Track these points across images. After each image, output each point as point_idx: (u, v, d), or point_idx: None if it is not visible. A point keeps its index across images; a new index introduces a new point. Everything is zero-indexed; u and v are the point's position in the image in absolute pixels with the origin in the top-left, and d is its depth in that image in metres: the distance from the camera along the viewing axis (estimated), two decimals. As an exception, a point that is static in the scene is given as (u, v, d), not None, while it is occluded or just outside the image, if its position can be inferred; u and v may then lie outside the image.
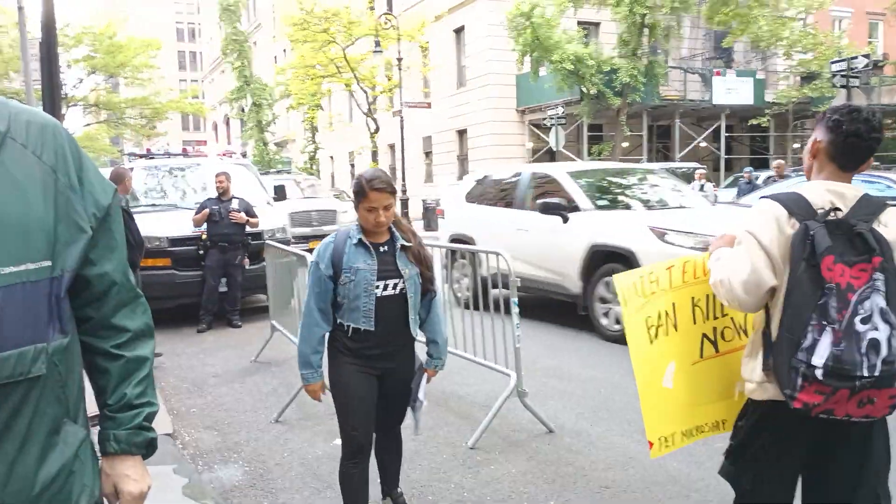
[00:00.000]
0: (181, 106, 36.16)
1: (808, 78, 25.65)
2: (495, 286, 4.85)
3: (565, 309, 7.89)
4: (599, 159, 24.17)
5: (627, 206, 7.83)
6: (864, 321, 1.87)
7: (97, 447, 1.46)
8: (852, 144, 2.08)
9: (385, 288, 2.94)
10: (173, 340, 7.82)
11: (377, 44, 25.03)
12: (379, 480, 3.42)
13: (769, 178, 18.02)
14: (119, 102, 33.20)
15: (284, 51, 38.66)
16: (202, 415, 5.27)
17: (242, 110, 35.37)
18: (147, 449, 1.48)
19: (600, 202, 7.76)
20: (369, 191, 2.87)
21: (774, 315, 2.07)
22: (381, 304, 2.94)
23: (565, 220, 7.48)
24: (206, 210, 8.26)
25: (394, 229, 3.03)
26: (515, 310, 4.47)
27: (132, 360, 1.45)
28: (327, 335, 3.04)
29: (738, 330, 2.55)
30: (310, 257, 5.32)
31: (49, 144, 1.32)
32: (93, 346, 1.43)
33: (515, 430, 4.61)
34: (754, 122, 25.27)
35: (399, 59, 24.51)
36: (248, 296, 9.22)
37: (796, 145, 29.61)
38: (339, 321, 2.99)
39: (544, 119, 23.11)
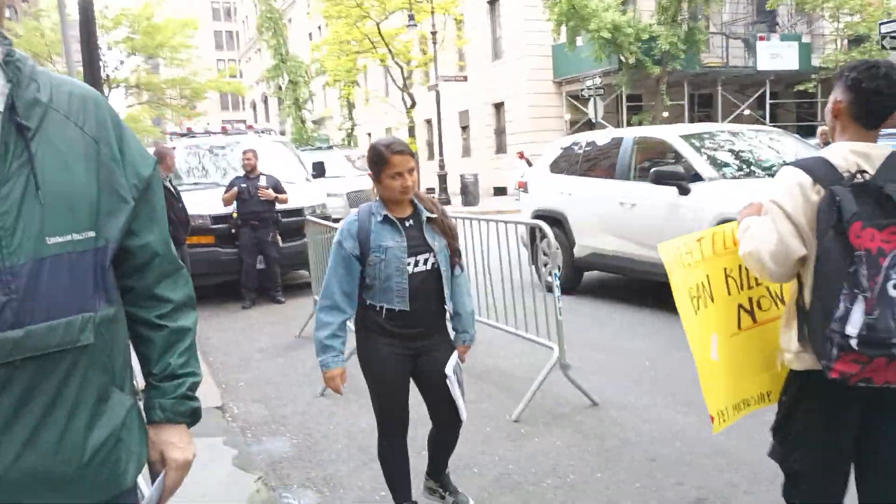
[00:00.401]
0: (219, 85, 36.49)
1: (856, 41, 24.74)
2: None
3: (606, 280, 7.81)
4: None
5: (751, 173, 6.82)
6: None
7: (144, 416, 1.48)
8: (875, 101, 2.04)
9: (416, 264, 2.83)
10: (220, 317, 7.98)
11: (411, 17, 24.85)
12: (427, 461, 3.30)
13: (815, 144, 17.59)
14: (159, 83, 33.65)
15: (319, 27, 38.70)
16: (249, 388, 5.38)
17: (279, 88, 35.55)
18: (191, 418, 1.50)
19: (726, 169, 6.75)
20: (390, 155, 2.76)
21: (806, 284, 2.06)
22: (415, 281, 2.82)
23: (684, 191, 6.45)
24: (235, 189, 8.31)
25: (416, 201, 2.90)
26: (557, 282, 4.43)
27: (175, 331, 1.47)
28: (350, 320, 2.91)
29: (774, 299, 2.50)
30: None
31: (91, 115, 1.33)
32: (137, 316, 1.45)
33: (559, 403, 4.60)
34: (800, 87, 24.51)
35: (433, 33, 24.31)
36: (289, 272, 9.34)
37: (844, 111, 28.70)
38: (369, 302, 2.86)
39: (582, 90, 22.78)
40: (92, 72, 6.83)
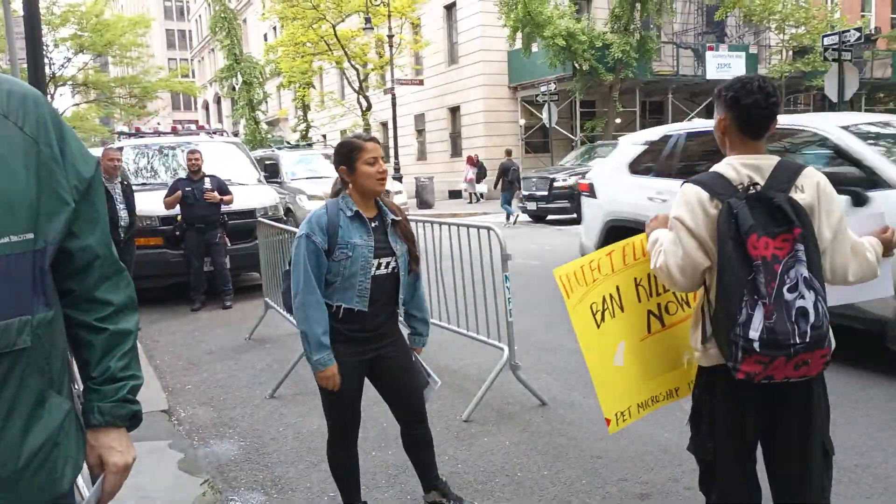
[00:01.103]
0: (171, 84, 35.89)
1: (800, 52, 25.60)
2: None
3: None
4: (592, 136, 24.12)
5: None
6: (791, 290, 1.98)
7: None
8: (755, 115, 2.17)
9: (379, 266, 2.82)
10: (168, 319, 7.83)
11: (368, 20, 24.80)
12: (417, 475, 3.25)
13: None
14: (108, 82, 32.94)
15: (274, 28, 38.30)
16: (197, 391, 5.30)
17: (233, 89, 35.03)
18: (131, 421, 1.48)
19: None
20: (364, 142, 2.80)
21: (711, 288, 2.20)
22: (376, 282, 2.81)
23: (861, 201, 4.67)
24: (178, 193, 8.08)
25: (381, 203, 2.90)
26: (508, 284, 4.48)
27: (116, 334, 1.45)
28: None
29: (680, 303, 2.70)
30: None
31: (31, 115, 1.30)
32: (76, 320, 1.42)
33: (509, 402, 4.65)
34: (747, 97, 25.20)
35: (390, 36, 24.32)
36: (241, 274, 9.22)
37: (789, 120, 29.57)
38: (327, 302, 2.79)
39: (537, 95, 23.02)
40: (36, 69, 6.64)
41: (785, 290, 1.98)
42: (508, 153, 19.65)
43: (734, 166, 2.19)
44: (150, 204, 8.40)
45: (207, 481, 3.58)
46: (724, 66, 24.55)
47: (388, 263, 2.84)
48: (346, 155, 2.80)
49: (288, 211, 12.23)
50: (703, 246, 2.15)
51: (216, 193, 8.19)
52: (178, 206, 8.16)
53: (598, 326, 2.58)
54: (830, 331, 2.07)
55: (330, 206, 2.84)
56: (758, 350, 2.00)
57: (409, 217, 3.21)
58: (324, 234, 2.74)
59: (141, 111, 35.22)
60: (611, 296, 2.60)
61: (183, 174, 8.68)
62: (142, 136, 10.88)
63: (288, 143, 16.22)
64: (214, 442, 4.27)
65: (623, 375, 2.61)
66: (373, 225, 2.84)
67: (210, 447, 4.19)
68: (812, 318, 1.99)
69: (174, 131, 11.02)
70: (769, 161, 2.19)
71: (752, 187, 2.10)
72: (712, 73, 24.26)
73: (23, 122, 1.28)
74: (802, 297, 1.99)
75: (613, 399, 2.61)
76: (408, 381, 3.06)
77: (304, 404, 4.84)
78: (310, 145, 15.73)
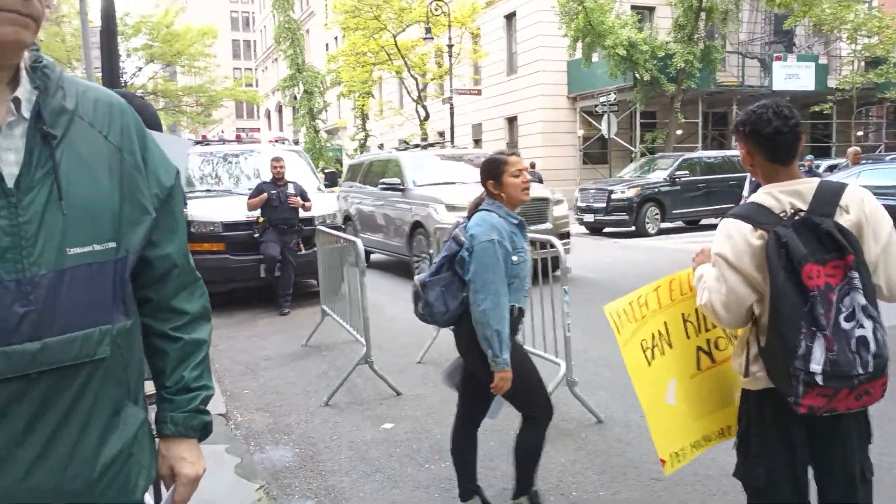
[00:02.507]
0: (235, 93, 36.81)
1: (873, 63, 24.66)
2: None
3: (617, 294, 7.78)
4: (652, 148, 23.73)
5: None
6: (848, 319, 1.94)
7: (154, 428, 1.47)
8: (780, 142, 2.14)
9: None
10: (227, 324, 7.99)
11: (428, 31, 24.98)
12: (459, 480, 3.34)
13: (831, 166, 17.47)
14: (176, 90, 33.97)
15: (336, 38, 38.94)
16: (254, 397, 5.38)
17: (294, 98, 35.72)
18: (203, 432, 1.48)
19: None
20: (508, 157, 3.01)
21: (761, 321, 2.14)
22: None
23: None
24: (265, 194, 8.39)
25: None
26: (567, 297, 4.42)
27: (190, 343, 1.45)
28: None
29: (730, 338, 2.62)
30: (360, 242, 5.37)
31: (116, 123, 1.31)
32: (152, 328, 1.43)
33: (564, 419, 4.57)
34: (816, 108, 24.44)
35: (450, 46, 24.43)
36: (299, 281, 9.35)
37: (860, 132, 28.55)
38: None
39: (596, 106, 22.78)
40: (111, 78, 6.89)
41: (842, 318, 1.94)
42: (532, 165, 19.37)
43: (773, 194, 2.13)
44: (214, 210, 8.62)
45: (263, 487, 3.62)
46: (793, 76, 23.90)
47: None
48: (494, 170, 2.99)
49: (417, 225, 9.95)
50: (748, 280, 2.10)
51: (299, 199, 8.50)
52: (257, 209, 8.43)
53: (649, 364, 2.53)
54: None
55: (498, 213, 2.97)
56: (821, 383, 1.94)
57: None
58: (509, 240, 2.92)
59: (207, 119, 36.24)
60: (659, 332, 2.57)
61: (246, 182, 8.89)
62: (207, 144, 11.18)
63: (406, 143, 13.89)
64: (270, 448, 4.32)
65: (675, 414, 2.56)
66: None
67: (266, 453, 4.24)
68: (873, 346, 1.95)
69: (238, 139, 11.29)
70: (809, 185, 2.13)
71: (796, 214, 2.05)
72: (779, 83, 23.62)
73: (108, 130, 1.29)
74: (861, 325, 1.94)
75: (668, 439, 2.55)
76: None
77: (359, 413, 4.86)
78: (408, 147, 13.11)
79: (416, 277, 3.09)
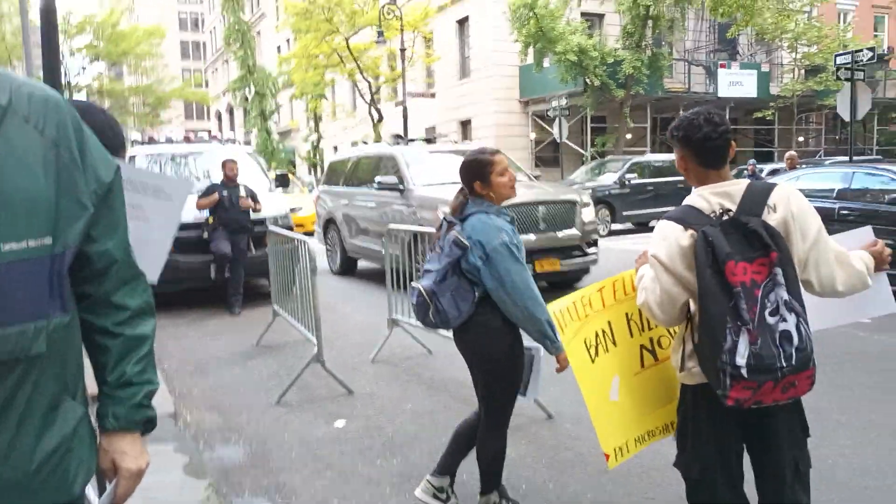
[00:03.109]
0: (184, 94, 36.29)
1: (812, 71, 25.58)
2: None
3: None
4: (602, 151, 24.14)
5: None
6: (773, 314, 1.99)
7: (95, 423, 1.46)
8: (709, 147, 2.22)
9: None
10: (177, 324, 7.86)
11: (380, 34, 24.95)
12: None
13: (773, 170, 18.04)
14: (122, 91, 33.23)
15: (288, 40, 38.61)
16: (204, 396, 5.30)
17: (246, 99, 35.34)
18: (146, 426, 1.47)
19: None
20: (492, 156, 3.01)
21: (696, 318, 2.20)
22: None
23: None
24: (215, 195, 8.33)
25: None
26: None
27: (132, 338, 1.44)
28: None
29: (672, 337, 2.68)
30: (312, 241, 5.35)
31: (51, 118, 1.28)
32: (92, 324, 1.42)
33: (516, 414, 4.52)
34: (758, 114, 25.19)
35: (402, 50, 24.46)
36: (249, 281, 9.25)
37: (800, 138, 29.52)
38: None
39: (548, 110, 23.07)
40: (52, 77, 6.71)
41: (766, 313, 1.99)
42: None
43: (704, 196, 2.21)
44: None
45: (212, 485, 3.58)
46: (736, 83, 24.60)
47: None
48: (479, 171, 2.98)
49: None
50: (681, 280, 2.17)
51: (250, 200, 8.49)
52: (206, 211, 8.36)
53: (593, 361, 2.61)
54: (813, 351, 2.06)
55: (495, 214, 2.98)
56: (745, 376, 2.00)
57: (420, 229, 3.26)
58: (514, 236, 2.95)
59: (154, 120, 35.54)
60: (603, 331, 2.64)
61: (196, 183, 8.77)
62: (155, 144, 10.96)
63: (399, 137, 12.39)
64: (220, 447, 4.27)
65: (619, 410, 2.64)
66: None
67: (215, 452, 4.19)
68: (796, 340, 2.00)
69: (186, 140, 11.10)
70: (738, 186, 2.20)
71: (724, 214, 2.12)
72: (724, 90, 24.29)
73: (43, 125, 1.27)
74: (784, 319, 1.99)
75: (611, 434, 2.63)
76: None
77: (310, 411, 4.84)
78: (430, 140, 11.58)
79: (418, 285, 3.03)
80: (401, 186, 9.31)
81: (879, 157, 21.58)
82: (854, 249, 2.29)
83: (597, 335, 2.63)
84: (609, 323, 2.65)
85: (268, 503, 3.52)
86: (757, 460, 2.31)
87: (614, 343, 2.65)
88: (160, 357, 6.32)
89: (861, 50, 15.73)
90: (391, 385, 5.44)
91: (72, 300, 1.34)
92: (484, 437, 3.19)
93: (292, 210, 15.39)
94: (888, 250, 2.35)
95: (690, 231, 2.13)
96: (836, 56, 16.52)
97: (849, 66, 15.20)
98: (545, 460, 3.93)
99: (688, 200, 2.25)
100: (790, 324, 1.99)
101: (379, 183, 9.49)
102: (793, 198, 2.18)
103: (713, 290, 2.04)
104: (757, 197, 2.16)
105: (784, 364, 1.98)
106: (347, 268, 11.09)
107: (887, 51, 24.98)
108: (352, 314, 8.20)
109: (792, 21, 23.73)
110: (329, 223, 11.52)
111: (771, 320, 1.99)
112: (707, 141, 2.20)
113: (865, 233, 2.42)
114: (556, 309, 2.64)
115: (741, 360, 1.99)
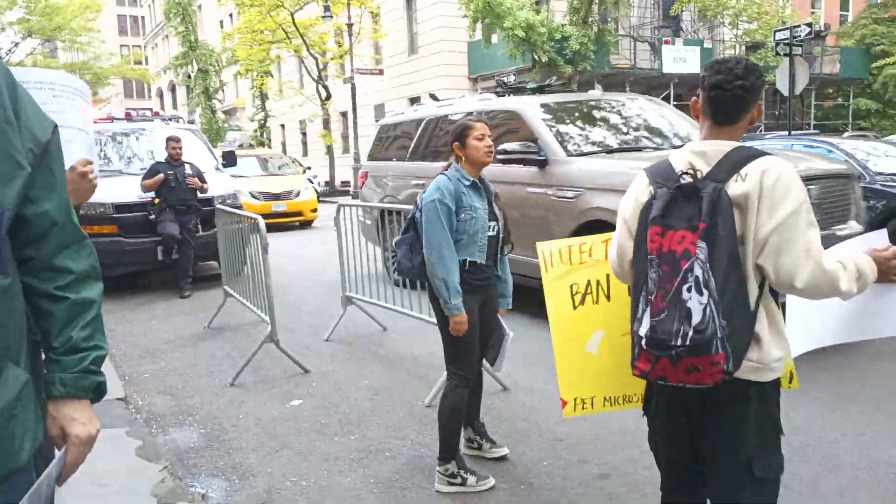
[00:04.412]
0: (123, 71, 35.08)
1: (753, 47, 26.12)
2: None
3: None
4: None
5: None
6: (689, 290, 1.83)
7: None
8: (717, 97, 1.99)
9: (490, 228, 3.32)
10: (124, 308, 7.69)
11: (326, 9, 24.53)
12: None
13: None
14: (58, 67, 31.94)
15: (231, 15, 37.63)
16: (155, 380, 5.21)
17: (188, 77, 34.37)
18: (95, 392, 1.45)
19: None
20: (474, 122, 3.27)
21: None
22: (490, 241, 3.32)
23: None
24: (161, 175, 8.12)
25: (483, 179, 3.34)
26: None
27: (77, 303, 1.41)
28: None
29: None
30: (262, 220, 5.28)
31: None
32: (35, 288, 1.39)
33: (471, 388, 4.67)
34: (702, 90, 25.59)
35: (349, 25, 24.10)
36: (197, 263, 9.09)
37: (742, 114, 30.16)
38: None
39: (497, 87, 23.06)
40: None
41: (685, 288, 1.83)
42: None
43: (684, 152, 2.05)
44: (104, 191, 8.22)
45: (167, 468, 3.54)
46: (680, 59, 24.95)
47: (493, 227, 3.34)
48: (460, 133, 3.26)
49: (592, 223, 5.56)
50: (632, 235, 2.06)
51: (197, 179, 8.33)
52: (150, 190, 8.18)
53: (575, 307, 2.55)
54: (727, 343, 1.83)
55: (451, 176, 3.25)
56: (644, 348, 1.92)
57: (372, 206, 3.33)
58: (452, 199, 3.18)
59: (92, 98, 34.35)
60: (598, 282, 2.55)
61: (138, 162, 8.56)
62: (95, 122, 10.58)
63: (505, 83, 8.78)
64: (173, 430, 4.21)
65: (594, 364, 2.56)
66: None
67: (169, 435, 4.13)
68: (696, 320, 1.81)
69: (128, 117, 10.75)
70: (721, 147, 1.98)
71: (684, 175, 1.94)
72: (668, 66, 24.64)
73: None
74: (691, 298, 1.83)
75: (574, 383, 2.58)
76: (495, 327, 3.58)
77: (265, 392, 4.81)
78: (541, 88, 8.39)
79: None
80: (541, 156, 6.14)
81: (817, 131, 22.28)
82: (862, 251, 2.00)
83: (588, 284, 2.55)
84: (608, 276, 2.53)
85: (224, 483, 3.49)
86: (701, 450, 2.12)
87: (608, 297, 2.55)
88: (107, 342, 6.17)
89: (799, 26, 16.13)
90: (347, 363, 5.43)
91: (11, 263, 1.31)
92: (444, 391, 3.37)
93: (287, 194, 15.19)
94: None
95: (652, 187, 2.01)
96: (775, 32, 16.91)
97: (787, 41, 15.56)
98: (502, 431, 3.99)
99: (671, 154, 2.09)
100: (694, 301, 1.81)
101: (503, 153, 5.94)
102: (771, 171, 1.90)
103: (640, 254, 1.97)
104: (731, 163, 1.93)
105: (678, 343, 1.82)
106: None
107: (824, 27, 25.71)
108: (305, 294, 8.13)
109: (733, -2, 24.18)
110: (390, 216, 6.75)
111: (686, 296, 1.82)
112: (716, 88, 1.97)
113: (878, 236, 2.10)
114: (546, 248, 2.59)
115: (643, 330, 1.91)
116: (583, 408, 2.61)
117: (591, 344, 2.56)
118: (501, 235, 3.42)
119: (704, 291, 1.81)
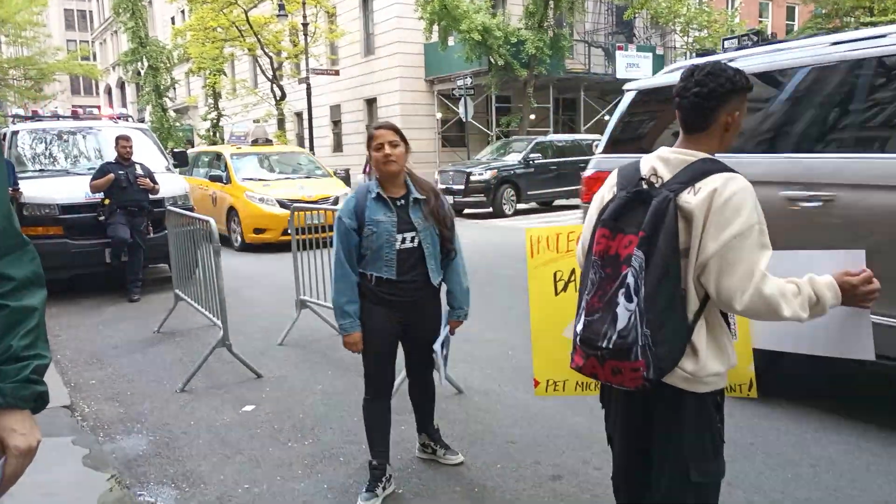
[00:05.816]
0: (70, 67, 34.10)
1: (703, 54, 26.68)
2: None
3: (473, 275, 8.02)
4: (507, 131, 24.47)
5: None
6: (623, 296, 1.87)
7: None
8: (678, 105, 2.01)
9: (403, 241, 3.14)
10: (70, 312, 7.48)
11: (281, 7, 24.26)
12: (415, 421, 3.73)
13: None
14: (1, 63, 30.94)
15: (182, 11, 36.93)
16: (102, 387, 5.09)
17: (138, 74, 33.59)
18: (36, 402, 1.42)
19: None
20: (374, 130, 3.13)
21: None
22: (402, 255, 3.14)
23: None
24: (111, 175, 7.93)
25: (410, 183, 3.19)
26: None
27: (18, 310, 1.38)
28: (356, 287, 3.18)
29: None
30: (213, 222, 5.21)
31: None
32: None
33: (425, 391, 4.68)
34: (655, 96, 26.09)
35: (305, 24, 23.88)
36: (147, 266, 8.91)
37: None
38: (361, 272, 3.17)
39: (453, 90, 23.14)
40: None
41: (621, 293, 1.88)
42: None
43: (652, 157, 2.04)
44: (50, 191, 8.02)
45: (114, 476, 3.46)
46: (633, 65, 25.40)
47: (412, 238, 3.16)
48: (368, 142, 3.16)
49: None
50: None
51: (148, 180, 8.14)
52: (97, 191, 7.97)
53: (557, 294, 2.62)
54: (648, 352, 1.85)
55: (359, 190, 3.20)
56: (577, 345, 2.01)
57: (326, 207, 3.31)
58: (351, 216, 3.12)
59: (37, 94, 33.31)
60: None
61: (85, 162, 8.36)
62: (39, 120, 10.29)
63: (749, 36, 5.24)
64: (121, 437, 4.12)
65: (570, 349, 2.59)
66: (398, 203, 3.16)
67: (117, 442, 4.04)
68: (621, 325, 1.86)
69: (75, 115, 10.48)
70: (685, 157, 1.96)
71: (641, 182, 1.96)
72: (622, 72, 25.04)
73: None
74: (619, 303, 1.88)
75: (550, 366, 2.64)
76: (429, 349, 3.37)
77: (217, 397, 4.74)
78: None
79: None
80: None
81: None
82: (828, 272, 1.93)
83: (573, 272, 2.59)
84: None
85: (174, 492, 3.43)
86: (654, 446, 2.10)
87: None
88: (53, 348, 6.01)
89: (746, 34, 16.53)
90: (300, 367, 5.39)
91: None
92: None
93: (325, 199, 11.43)
94: (875, 285, 1.92)
95: (616, 188, 2.06)
96: (724, 40, 17.32)
97: (735, 49, 15.95)
98: (456, 433, 4.01)
99: (643, 157, 2.08)
100: (622, 307, 1.86)
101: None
102: (725, 189, 1.85)
103: (588, 253, 2.04)
104: (688, 174, 1.92)
105: (603, 345, 1.90)
106: None
107: (771, 35, 26.38)
108: (259, 297, 8.04)
109: (683, 5, 24.69)
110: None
111: (619, 301, 1.88)
112: (676, 96, 2.00)
113: (854, 256, 1.98)
114: (535, 235, 2.64)
115: (579, 328, 2.00)
116: (554, 389, 2.70)
117: (568, 330, 2.56)
118: (429, 245, 3.19)
119: (634, 299, 1.86)
